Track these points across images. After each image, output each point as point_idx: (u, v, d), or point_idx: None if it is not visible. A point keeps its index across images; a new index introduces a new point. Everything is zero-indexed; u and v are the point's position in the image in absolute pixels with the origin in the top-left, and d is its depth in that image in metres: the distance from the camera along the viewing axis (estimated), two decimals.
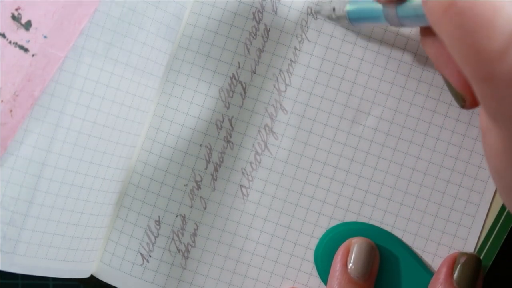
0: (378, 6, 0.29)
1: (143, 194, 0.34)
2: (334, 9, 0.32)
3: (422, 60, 0.34)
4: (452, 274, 0.32)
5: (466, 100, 0.27)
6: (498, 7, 0.18)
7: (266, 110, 0.34)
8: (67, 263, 0.33)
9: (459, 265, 0.32)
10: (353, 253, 0.33)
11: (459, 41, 0.19)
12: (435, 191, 0.34)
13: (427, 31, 0.27)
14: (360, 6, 0.31)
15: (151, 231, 0.34)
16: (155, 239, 0.34)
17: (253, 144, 0.34)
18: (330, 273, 0.33)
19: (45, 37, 0.30)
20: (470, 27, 0.19)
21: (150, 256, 0.34)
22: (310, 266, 0.34)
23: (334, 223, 0.34)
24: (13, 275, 0.33)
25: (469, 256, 0.33)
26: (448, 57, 0.26)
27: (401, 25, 0.28)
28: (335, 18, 0.33)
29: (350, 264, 0.32)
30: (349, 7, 0.32)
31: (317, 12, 0.33)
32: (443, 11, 0.19)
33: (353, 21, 0.32)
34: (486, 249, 0.34)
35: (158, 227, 0.34)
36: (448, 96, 0.34)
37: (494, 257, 0.33)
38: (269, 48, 0.34)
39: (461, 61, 0.20)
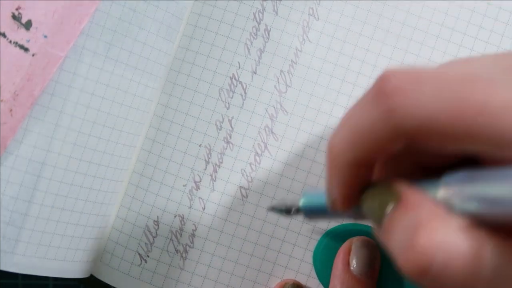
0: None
1: (142, 194, 0.34)
2: (286, 211, 0.28)
3: (424, 62, 0.34)
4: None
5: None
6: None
7: (266, 111, 0.34)
8: (67, 263, 0.33)
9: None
10: (355, 251, 0.33)
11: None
12: None
13: None
14: (314, 202, 0.27)
15: (150, 231, 0.34)
16: (153, 240, 0.34)
17: (253, 145, 0.34)
18: (332, 272, 0.33)
19: (45, 36, 0.30)
20: (446, 283, 0.19)
21: (148, 256, 0.34)
22: (308, 268, 0.34)
23: (332, 224, 0.34)
24: (13, 275, 0.33)
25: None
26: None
27: (362, 217, 0.24)
28: (289, 216, 0.29)
29: (353, 262, 0.32)
30: (303, 201, 0.27)
31: (271, 209, 0.30)
32: (420, 277, 0.19)
33: (309, 215, 0.27)
34: None
35: (156, 227, 0.34)
36: None
37: None
38: (270, 48, 0.34)
39: None
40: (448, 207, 0.19)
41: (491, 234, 0.18)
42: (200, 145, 0.34)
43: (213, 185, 0.34)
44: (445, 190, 0.19)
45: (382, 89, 0.19)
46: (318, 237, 0.34)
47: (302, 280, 0.34)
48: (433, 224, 0.19)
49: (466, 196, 0.19)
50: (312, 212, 0.28)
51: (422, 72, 0.19)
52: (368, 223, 0.34)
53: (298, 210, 0.28)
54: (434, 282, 0.19)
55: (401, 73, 0.19)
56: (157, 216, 0.34)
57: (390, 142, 0.20)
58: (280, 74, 0.34)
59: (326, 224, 0.34)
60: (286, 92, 0.34)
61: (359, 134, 0.20)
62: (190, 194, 0.34)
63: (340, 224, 0.34)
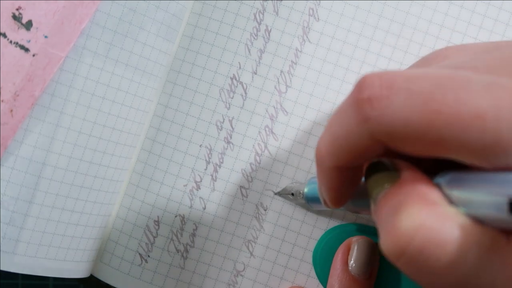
0: None
1: (143, 194, 0.35)
2: (293, 194, 0.33)
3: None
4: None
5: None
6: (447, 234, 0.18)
7: (266, 111, 0.34)
8: (67, 263, 0.33)
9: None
10: (354, 251, 0.33)
11: (415, 279, 0.19)
12: None
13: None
14: (315, 193, 0.31)
15: (150, 231, 0.34)
16: (154, 239, 0.34)
17: (253, 145, 0.34)
18: (331, 271, 0.33)
19: (45, 37, 0.30)
20: (421, 268, 0.19)
21: (148, 256, 0.34)
22: (308, 268, 0.34)
23: (332, 224, 0.34)
24: (13, 275, 0.33)
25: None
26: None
27: (357, 211, 0.28)
28: (295, 201, 0.34)
29: (351, 262, 0.32)
30: (306, 189, 0.32)
31: (278, 194, 0.34)
32: (396, 258, 0.19)
33: (311, 203, 0.32)
34: None
35: (157, 227, 0.34)
36: None
37: None
38: (270, 49, 0.34)
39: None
40: (447, 197, 0.19)
41: (484, 229, 0.18)
42: (200, 145, 0.34)
43: (213, 185, 0.34)
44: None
45: (358, 98, 0.20)
46: (318, 236, 0.34)
47: (301, 280, 0.34)
48: (420, 206, 0.18)
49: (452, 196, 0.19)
50: (313, 201, 0.32)
51: (397, 78, 0.19)
52: (364, 219, 0.34)
53: (302, 196, 0.32)
54: (410, 266, 0.19)
55: (375, 80, 0.19)
56: (158, 216, 0.34)
57: (367, 148, 0.20)
58: (280, 74, 0.34)
59: (326, 224, 0.34)
60: (286, 92, 0.34)
61: (338, 140, 0.21)
62: (190, 194, 0.34)
63: (339, 224, 0.34)
